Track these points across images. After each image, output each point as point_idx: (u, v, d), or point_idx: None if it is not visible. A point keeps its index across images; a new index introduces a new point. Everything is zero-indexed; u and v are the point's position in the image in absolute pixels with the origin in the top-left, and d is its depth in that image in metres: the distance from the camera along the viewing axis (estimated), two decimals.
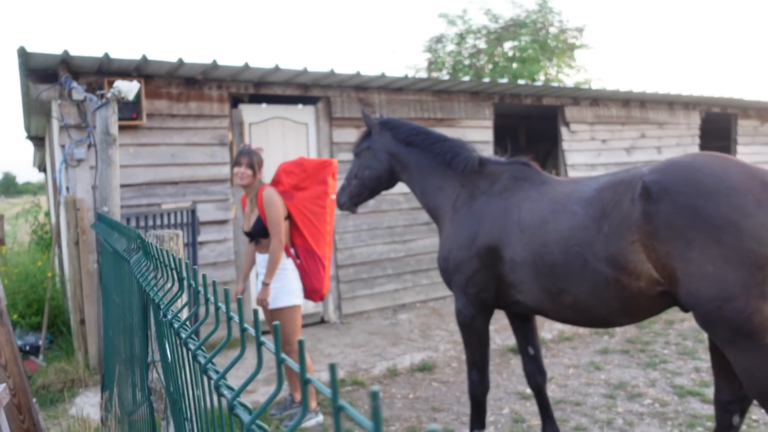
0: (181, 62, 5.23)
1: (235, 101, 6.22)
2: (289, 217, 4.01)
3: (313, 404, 4.12)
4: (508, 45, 16.83)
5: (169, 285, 1.29)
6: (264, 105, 6.35)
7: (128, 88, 3.59)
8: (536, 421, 3.93)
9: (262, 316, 4.95)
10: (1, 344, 2.53)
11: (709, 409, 4.00)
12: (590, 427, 3.85)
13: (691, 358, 5.08)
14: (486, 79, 7.07)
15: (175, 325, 1.08)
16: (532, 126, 12.17)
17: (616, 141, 8.88)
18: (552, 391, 4.45)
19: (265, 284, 3.88)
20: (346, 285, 6.75)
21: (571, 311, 2.91)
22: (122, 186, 5.13)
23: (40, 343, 5.71)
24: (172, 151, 5.71)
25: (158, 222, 5.03)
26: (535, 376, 3.49)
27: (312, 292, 4.07)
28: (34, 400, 2.77)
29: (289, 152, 6.33)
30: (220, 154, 5.93)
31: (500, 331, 5.86)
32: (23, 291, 6.60)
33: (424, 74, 16.91)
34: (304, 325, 6.33)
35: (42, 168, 13.56)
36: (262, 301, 3.88)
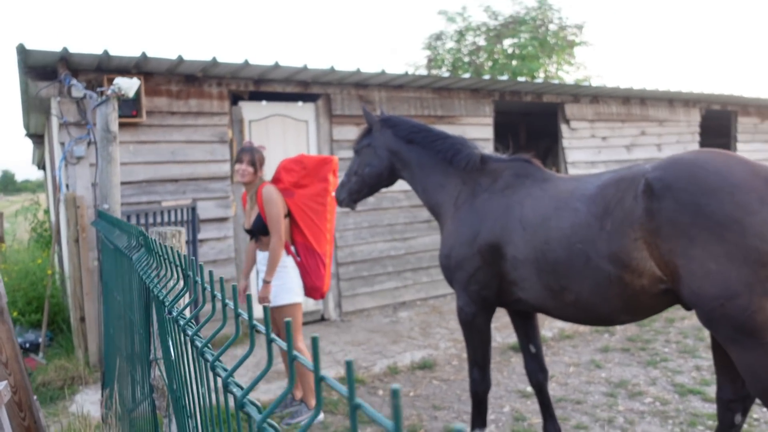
0: (180, 59, 5.21)
1: (235, 98, 6.20)
2: (289, 214, 3.99)
3: (313, 401, 4.11)
4: (507, 42, 16.81)
5: (172, 282, 1.28)
6: (264, 102, 6.33)
7: (128, 85, 3.58)
8: (537, 420, 3.93)
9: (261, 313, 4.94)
10: (2, 341, 2.52)
11: (710, 408, 4.00)
12: (591, 426, 3.85)
13: (691, 357, 5.08)
14: (486, 77, 7.05)
15: (181, 322, 1.07)
16: (533, 123, 12.15)
17: (616, 138, 8.88)
18: (553, 389, 4.44)
19: (266, 282, 3.87)
20: (346, 283, 6.74)
21: (573, 309, 2.90)
22: (122, 183, 5.11)
23: (40, 340, 5.70)
24: (172, 149, 5.70)
25: (158, 219, 5.02)
26: (537, 374, 3.49)
27: (312, 289, 4.06)
28: (35, 397, 2.77)
29: (289, 149, 6.31)
30: (220, 152, 5.92)
31: (501, 329, 5.85)
32: (23, 288, 6.59)
33: (423, 71, 16.88)
34: (305, 323, 6.32)
35: (41, 166, 13.53)
36: (264, 299, 3.87)
